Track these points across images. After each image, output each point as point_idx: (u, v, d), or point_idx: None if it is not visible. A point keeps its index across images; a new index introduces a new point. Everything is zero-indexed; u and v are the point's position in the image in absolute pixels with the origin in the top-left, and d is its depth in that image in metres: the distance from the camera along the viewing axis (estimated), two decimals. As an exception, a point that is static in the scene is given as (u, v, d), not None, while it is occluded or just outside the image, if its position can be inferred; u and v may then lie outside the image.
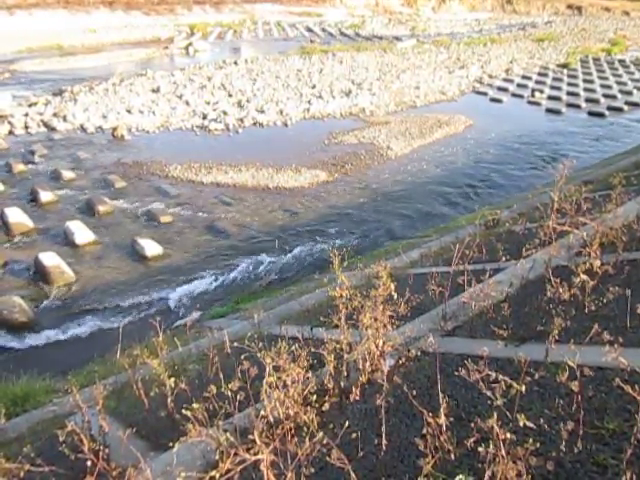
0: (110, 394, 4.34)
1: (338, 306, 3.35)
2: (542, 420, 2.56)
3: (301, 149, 19.70)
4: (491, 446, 2.09)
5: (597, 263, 3.77)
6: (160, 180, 17.14)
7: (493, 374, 2.44)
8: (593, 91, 28.51)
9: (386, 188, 16.52)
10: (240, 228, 13.95)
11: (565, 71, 33.65)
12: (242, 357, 3.00)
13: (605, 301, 3.66)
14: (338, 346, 3.33)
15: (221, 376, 3.30)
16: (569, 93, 28.24)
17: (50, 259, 11.69)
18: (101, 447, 2.85)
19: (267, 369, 2.76)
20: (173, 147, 20.32)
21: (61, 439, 2.52)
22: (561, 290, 3.81)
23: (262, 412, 2.73)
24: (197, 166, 18.11)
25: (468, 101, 27.91)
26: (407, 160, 18.94)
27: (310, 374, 3.05)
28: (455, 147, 20.33)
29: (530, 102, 27.26)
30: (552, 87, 29.68)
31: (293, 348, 3.06)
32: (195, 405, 2.59)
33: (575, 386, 2.35)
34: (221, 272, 11.88)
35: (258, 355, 2.86)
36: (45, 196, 15.36)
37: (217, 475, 2.21)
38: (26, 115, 23.75)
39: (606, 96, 27.45)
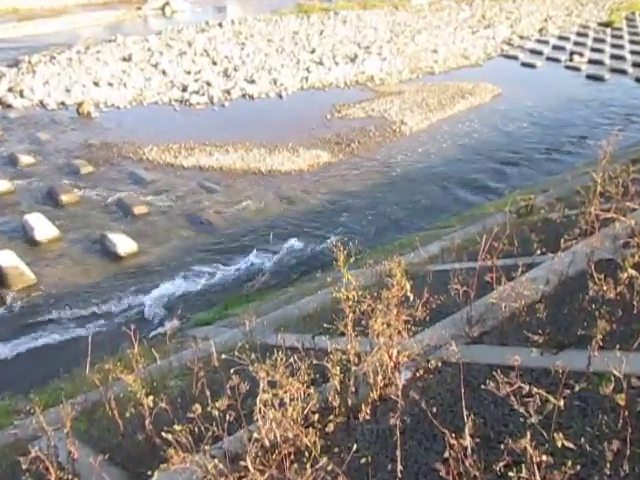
0: (79, 415, 4.34)
1: (344, 310, 3.37)
2: (583, 439, 2.57)
3: (299, 125, 19.66)
4: (524, 471, 2.10)
5: (648, 256, 3.75)
6: (133, 164, 17.13)
7: (526, 387, 2.45)
8: (642, 53, 28.34)
9: (399, 170, 16.50)
10: (228, 220, 13.95)
11: (608, 31, 33.43)
12: (232, 371, 3.01)
13: (658, 300, 3.69)
14: (344, 357, 3.35)
15: (208, 393, 3.29)
16: (613, 56, 28.05)
17: (6, 259, 11.72)
18: (70, 476, 2.88)
19: (261, 385, 2.78)
20: (148, 125, 20.30)
21: (24, 467, 2.55)
22: (606, 288, 3.80)
23: (256, 435, 2.76)
24: (176, 147, 18.10)
25: (495, 66, 27.77)
26: (424, 137, 18.89)
27: (312, 390, 3.06)
28: (481, 121, 20.26)
29: (568, 67, 27.11)
30: (593, 49, 29.48)
31: (292, 360, 3.07)
32: (178, 427, 2.61)
33: (621, 399, 2.35)
34: (206, 272, 11.90)
35: (251, 368, 2.87)
36: (-1, 185, 15.41)
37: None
38: (-25, 90, 23.78)
39: (658, 59, 27.27)
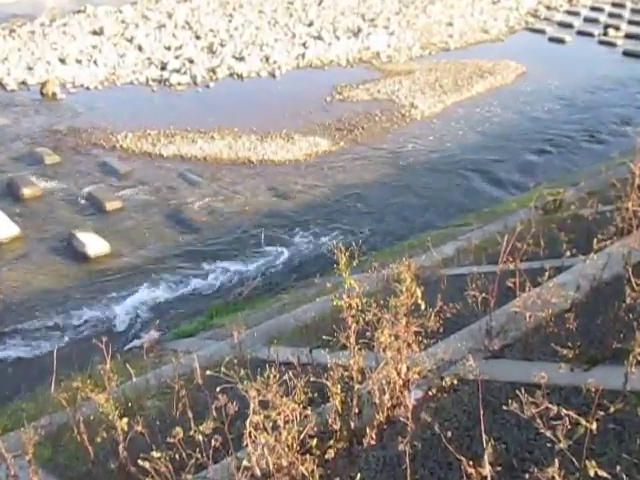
0: (44, 440, 4.34)
1: (346, 320, 3.37)
2: (619, 468, 2.56)
3: (294, 109, 19.66)
4: (552, 504, 2.11)
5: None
6: (105, 153, 17.11)
7: (554, 408, 2.44)
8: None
9: (409, 160, 16.50)
10: (213, 217, 13.95)
11: (649, -1, 33.45)
12: (218, 389, 3.01)
13: None
14: (347, 374, 3.35)
15: (190, 415, 3.31)
16: (655, 29, 28.09)
17: (-40, 261, 11.70)
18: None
19: (252, 405, 2.78)
20: (122, 108, 20.28)
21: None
22: (645, 294, 3.88)
23: (245, 462, 2.78)
24: (155, 134, 18.09)
25: (519, 41, 27.79)
26: (437, 122, 18.89)
27: (309, 411, 3.06)
28: (502, 104, 20.27)
29: (602, 42, 27.14)
30: (631, 22, 29.52)
31: (286, 377, 3.08)
32: (156, 454, 2.60)
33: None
34: (188, 276, 11.89)
35: (239, 386, 2.88)
36: (-48, 176, 15.41)
37: None
38: None
39: None
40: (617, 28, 28.25)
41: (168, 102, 20.99)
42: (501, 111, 19.76)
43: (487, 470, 2.46)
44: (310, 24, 29.03)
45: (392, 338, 3.30)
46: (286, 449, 2.86)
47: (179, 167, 16.23)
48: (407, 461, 2.79)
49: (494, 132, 18.19)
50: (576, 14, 31.48)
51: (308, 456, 2.86)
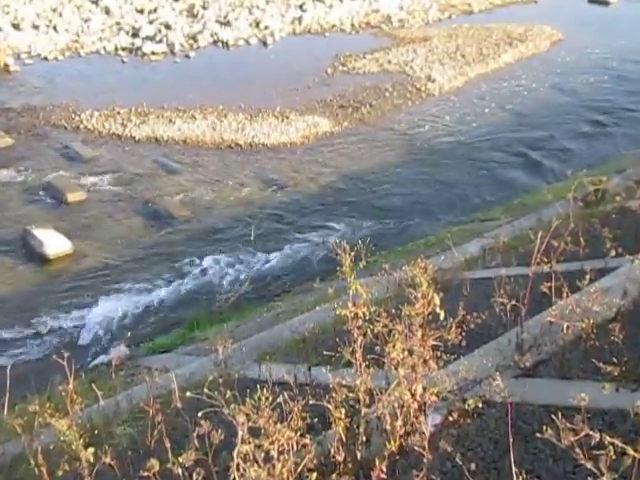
0: (-5, 473, 4.34)
1: (351, 332, 3.35)
2: (672, 506, 2.59)
3: (290, 83, 19.64)
4: None
5: None
6: (67, 135, 17.10)
7: (597, 435, 2.40)
8: None
9: (425, 143, 16.49)
10: (194, 210, 13.94)
11: None
12: (200, 414, 2.99)
13: None
14: (352, 395, 3.32)
15: (167, 444, 3.29)
16: None
17: None
18: None
19: (240, 433, 2.75)
20: (87, 82, 20.27)
21: None
22: None
23: (233, 499, 2.72)
24: (125, 112, 18.08)
25: (555, 3, 27.82)
26: (458, 98, 18.88)
27: (308, 440, 3.04)
28: (534, 76, 20.27)
29: (654, 4, 27.14)
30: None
31: (281, 399, 3.05)
32: (127, 490, 2.61)
33: None
34: (165, 280, 11.90)
35: (225, 411, 2.85)
36: None
37: None
38: None
39: None
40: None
41: (141, 75, 20.98)
42: (534, 85, 19.76)
43: (517, 509, 2.47)
44: (308, -18, 29.03)
45: (406, 353, 3.27)
46: (281, 484, 2.83)
47: (154, 152, 16.22)
48: (423, 498, 2.76)
49: (525, 110, 18.18)
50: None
51: (306, 492, 2.82)
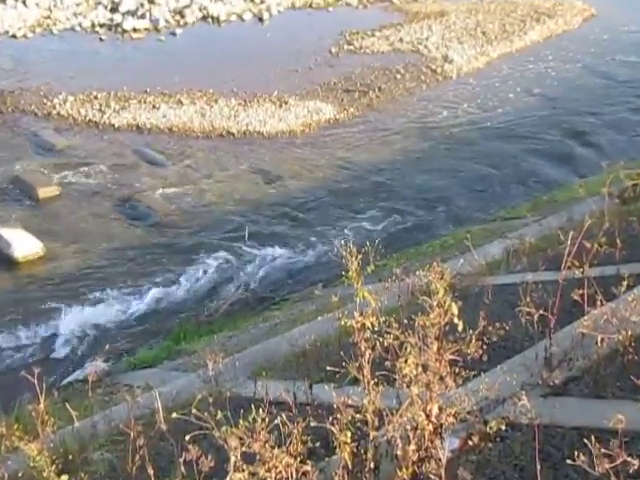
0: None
1: (358, 345, 3.28)
2: None
3: (289, 64, 19.53)
4: None
5: None
6: (38, 123, 16.96)
7: (635, 462, 2.41)
8: None
9: (442, 132, 16.33)
10: (181, 207, 13.71)
11: None
12: (187, 437, 3.00)
13: None
14: (359, 416, 3.27)
15: (150, 471, 3.29)
16: None
17: None
18: None
19: (232, 458, 2.74)
20: (60, 63, 20.12)
21: None
22: None
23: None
24: (103, 97, 17.94)
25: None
26: (479, 81, 18.71)
27: (309, 467, 3.05)
28: (564, 56, 20.10)
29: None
30: None
31: (279, 421, 3.07)
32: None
33: None
34: (147, 286, 11.62)
35: (216, 434, 2.84)
36: None
37: None
38: None
39: None
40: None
41: (121, 55, 20.84)
42: (564, 66, 19.55)
43: None
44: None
45: (419, 369, 3.23)
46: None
47: (135, 141, 16.12)
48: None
49: (554, 94, 18.02)
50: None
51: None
